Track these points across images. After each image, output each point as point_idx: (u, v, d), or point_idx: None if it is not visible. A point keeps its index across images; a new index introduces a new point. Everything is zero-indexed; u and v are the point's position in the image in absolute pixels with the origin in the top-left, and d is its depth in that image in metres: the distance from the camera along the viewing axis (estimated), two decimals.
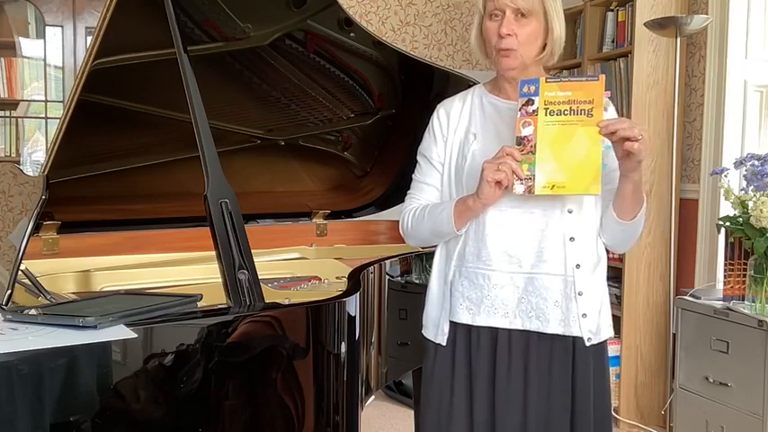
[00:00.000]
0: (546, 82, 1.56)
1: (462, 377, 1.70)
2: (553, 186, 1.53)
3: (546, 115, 1.55)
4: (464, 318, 1.68)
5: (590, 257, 1.67)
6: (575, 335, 1.65)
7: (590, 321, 1.66)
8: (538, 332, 1.65)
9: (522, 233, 1.64)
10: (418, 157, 1.80)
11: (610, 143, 1.55)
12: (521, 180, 1.54)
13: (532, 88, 1.56)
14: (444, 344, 1.71)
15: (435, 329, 1.74)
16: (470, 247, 1.68)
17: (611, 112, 1.68)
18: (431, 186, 1.76)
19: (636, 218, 1.63)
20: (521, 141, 1.55)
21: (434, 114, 1.79)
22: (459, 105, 1.77)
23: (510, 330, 1.66)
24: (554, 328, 1.65)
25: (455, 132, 1.74)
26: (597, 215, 1.68)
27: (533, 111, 1.55)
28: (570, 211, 1.64)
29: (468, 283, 1.68)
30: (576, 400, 1.67)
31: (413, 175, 1.81)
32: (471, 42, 1.73)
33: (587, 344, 1.66)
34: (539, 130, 1.54)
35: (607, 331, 1.71)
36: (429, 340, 1.75)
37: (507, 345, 1.66)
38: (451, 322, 1.71)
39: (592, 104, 1.53)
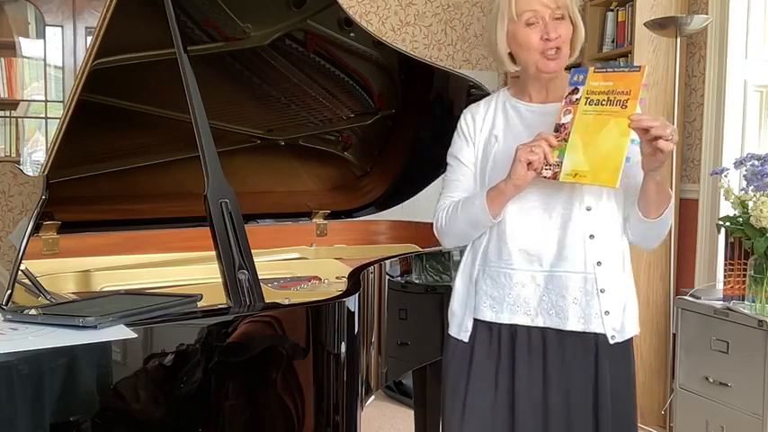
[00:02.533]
0: (594, 72, 1.57)
1: (482, 373, 1.72)
2: (576, 174, 1.54)
3: (586, 104, 1.56)
4: (488, 315, 1.71)
5: (612, 254, 1.68)
6: (596, 332, 1.66)
7: (613, 319, 1.67)
8: (557, 329, 1.67)
9: (541, 232, 1.67)
10: (449, 160, 1.83)
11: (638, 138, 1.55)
12: (549, 165, 1.56)
13: (581, 77, 1.58)
14: (466, 340, 1.74)
15: (459, 327, 1.77)
16: (492, 247, 1.71)
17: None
18: (463, 184, 1.79)
19: (661, 216, 1.64)
20: (558, 128, 1.57)
21: (461, 118, 1.83)
22: (483, 109, 1.80)
23: (530, 327, 1.68)
24: (573, 325, 1.66)
25: (480, 135, 1.77)
26: (619, 212, 1.70)
27: (576, 99, 1.57)
28: (589, 209, 1.65)
29: (492, 282, 1.71)
30: (598, 396, 1.67)
31: (444, 177, 1.84)
32: (497, 49, 1.71)
33: (611, 341, 1.67)
34: (576, 119, 1.56)
35: (632, 329, 1.72)
36: (452, 337, 1.78)
37: (527, 342, 1.69)
38: (475, 320, 1.74)
39: (628, 96, 1.52)
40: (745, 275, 2.79)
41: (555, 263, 1.66)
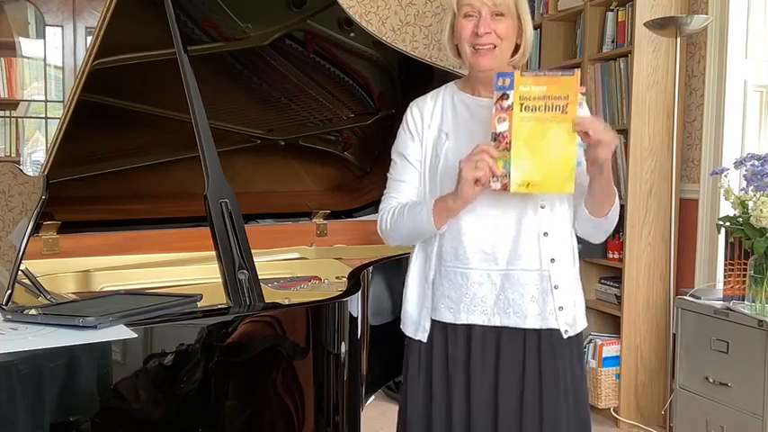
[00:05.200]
0: (521, 75, 1.52)
1: (440, 374, 1.71)
2: (528, 185, 1.53)
3: (521, 111, 1.52)
4: (446, 317, 1.70)
5: (564, 251, 1.69)
6: (552, 327, 1.67)
7: (566, 314, 1.68)
8: (513, 327, 1.67)
9: (496, 231, 1.66)
10: (393, 156, 1.79)
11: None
12: (497, 177, 1.54)
13: (507, 81, 1.53)
14: (425, 341, 1.73)
15: (415, 327, 1.75)
16: (447, 247, 1.69)
17: (584, 111, 1.66)
18: (409, 184, 1.75)
19: (607, 214, 1.65)
20: (496, 137, 1.53)
21: (408, 112, 1.79)
22: (431, 104, 1.77)
23: (485, 327, 1.68)
24: (532, 322, 1.66)
25: (428, 131, 1.75)
26: (570, 209, 1.70)
27: (508, 106, 1.53)
28: (543, 207, 1.65)
29: (448, 283, 1.69)
30: (558, 393, 1.68)
31: (388, 175, 1.79)
32: (443, 41, 1.73)
33: (564, 336, 1.68)
34: (514, 127, 1.52)
35: (582, 322, 1.74)
36: (408, 337, 1.76)
37: (481, 341, 1.68)
38: (432, 320, 1.72)
39: (567, 101, 1.50)
40: (745, 275, 2.79)
41: (511, 261, 1.66)
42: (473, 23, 1.65)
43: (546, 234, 1.66)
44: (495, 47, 1.65)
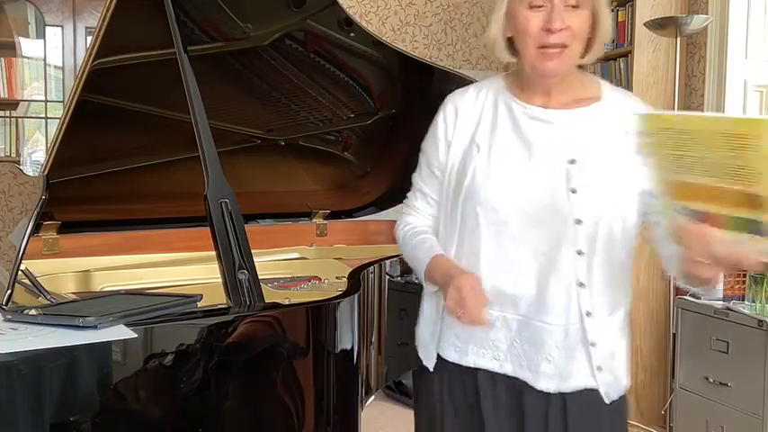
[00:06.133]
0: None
1: (450, 417, 1.48)
2: None
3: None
4: (452, 356, 1.47)
5: (608, 303, 1.41)
6: (587, 387, 1.39)
7: (605, 375, 1.41)
8: (528, 383, 1.41)
9: (520, 271, 1.38)
10: (420, 155, 1.55)
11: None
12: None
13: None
14: (431, 370, 1.51)
15: (425, 353, 1.53)
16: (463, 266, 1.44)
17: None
18: (428, 198, 1.53)
19: (708, 286, 1.27)
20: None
21: (441, 109, 1.51)
22: (471, 100, 1.47)
23: (495, 375, 1.43)
24: (543, 384, 1.39)
25: (461, 136, 1.46)
26: (628, 260, 1.42)
27: None
28: (581, 253, 1.36)
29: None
30: None
31: (413, 174, 1.59)
32: (491, 36, 1.39)
33: (607, 400, 1.40)
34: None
35: (625, 380, 1.47)
36: (419, 357, 1.56)
37: (491, 391, 1.43)
38: (438, 355, 1.50)
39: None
40: (745, 275, 2.79)
41: (532, 309, 1.38)
42: (542, 16, 1.31)
43: (582, 284, 1.36)
44: (565, 47, 1.32)
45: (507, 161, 1.38)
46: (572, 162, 1.37)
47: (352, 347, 1.78)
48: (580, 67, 1.41)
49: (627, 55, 3.46)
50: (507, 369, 1.42)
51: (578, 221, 1.35)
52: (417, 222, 1.55)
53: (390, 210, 2.98)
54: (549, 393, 1.39)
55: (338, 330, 1.73)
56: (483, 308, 1.31)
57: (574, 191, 1.36)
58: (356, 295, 1.81)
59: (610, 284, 1.41)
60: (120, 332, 1.37)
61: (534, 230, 1.36)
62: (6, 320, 1.43)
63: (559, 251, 1.36)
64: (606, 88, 1.46)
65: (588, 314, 1.38)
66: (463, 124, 1.46)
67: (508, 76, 1.47)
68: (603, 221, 1.36)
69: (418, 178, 1.56)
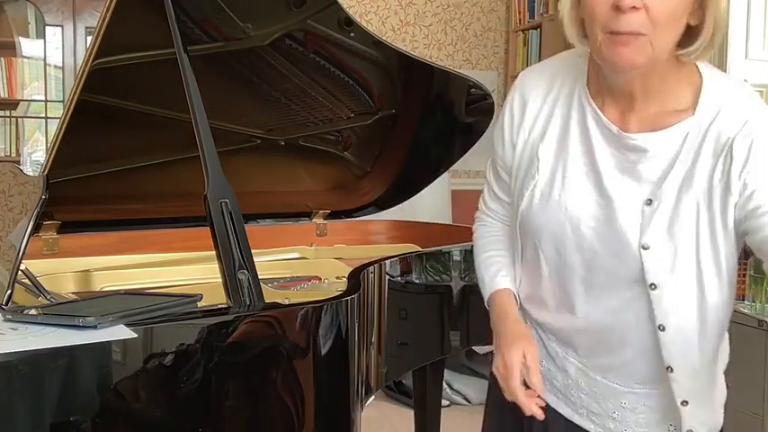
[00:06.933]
0: None
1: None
2: None
3: None
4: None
5: (697, 353, 1.13)
6: None
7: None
8: None
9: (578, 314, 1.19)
10: (492, 153, 1.32)
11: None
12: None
13: None
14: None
15: None
16: (526, 290, 1.29)
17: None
18: (501, 201, 1.34)
19: None
20: None
21: (511, 93, 1.25)
22: (542, 92, 1.20)
23: (550, 409, 1.24)
24: None
25: (524, 141, 1.21)
26: (726, 299, 1.12)
27: None
28: (654, 287, 1.09)
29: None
30: None
31: (488, 164, 1.35)
32: (562, 16, 1.13)
33: None
34: None
35: (719, 421, 1.23)
36: None
37: (542, 426, 1.24)
38: None
39: None
40: (745, 275, 2.79)
41: (593, 362, 1.21)
42: None
43: (662, 328, 1.11)
44: (639, 34, 1.02)
45: (570, 189, 1.15)
46: (648, 203, 1.11)
47: (352, 347, 1.78)
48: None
49: None
50: (561, 407, 1.27)
51: (653, 286, 1.10)
52: (489, 230, 1.37)
53: (390, 210, 2.98)
54: None
55: (338, 330, 1.73)
56: (534, 398, 1.13)
57: (645, 247, 1.10)
58: (356, 295, 1.81)
59: (700, 331, 1.13)
60: (120, 332, 1.37)
61: (601, 288, 1.15)
62: (6, 320, 1.43)
63: (631, 286, 1.13)
64: (707, 89, 1.17)
65: (670, 369, 1.14)
66: (529, 126, 1.21)
67: (592, 59, 1.15)
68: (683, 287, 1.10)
69: (490, 173, 1.34)
